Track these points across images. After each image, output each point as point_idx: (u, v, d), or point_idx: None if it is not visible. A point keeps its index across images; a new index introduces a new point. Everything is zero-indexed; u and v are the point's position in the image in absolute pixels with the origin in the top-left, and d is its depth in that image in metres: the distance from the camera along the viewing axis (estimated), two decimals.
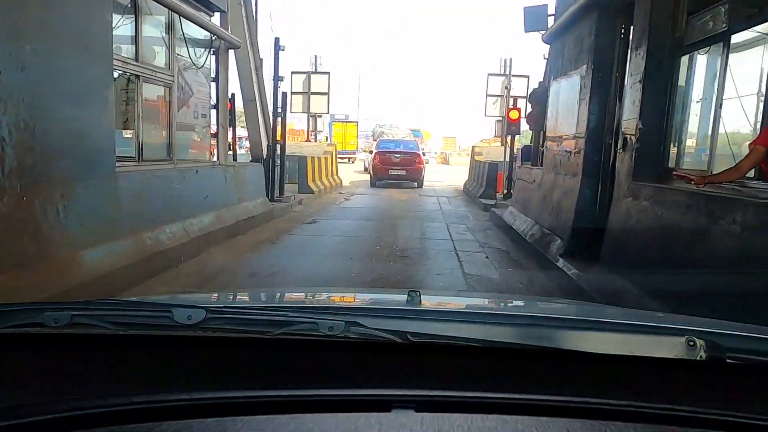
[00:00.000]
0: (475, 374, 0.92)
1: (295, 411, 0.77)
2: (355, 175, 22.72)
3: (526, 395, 0.81)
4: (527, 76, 18.28)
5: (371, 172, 18.41)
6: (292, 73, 19.12)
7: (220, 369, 0.95)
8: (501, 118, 19.71)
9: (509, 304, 2.01)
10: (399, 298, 1.35)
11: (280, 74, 11.97)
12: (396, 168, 17.43)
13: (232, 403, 0.78)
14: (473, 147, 19.98)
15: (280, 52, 11.48)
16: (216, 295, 2.14)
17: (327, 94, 18.95)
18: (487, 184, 13.29)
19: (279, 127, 12.31)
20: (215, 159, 8.41)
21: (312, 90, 18.87)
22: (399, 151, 17.95)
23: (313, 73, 19.24)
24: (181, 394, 0.78)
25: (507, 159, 14.47)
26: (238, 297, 1.76)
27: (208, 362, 0.96)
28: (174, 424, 0.74)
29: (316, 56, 20.26)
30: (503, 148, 15.85)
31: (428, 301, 1.47)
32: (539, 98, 9.15)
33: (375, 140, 25.50)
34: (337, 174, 17.88)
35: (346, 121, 36.02)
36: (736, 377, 0.93)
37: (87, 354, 0.96)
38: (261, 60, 12.39)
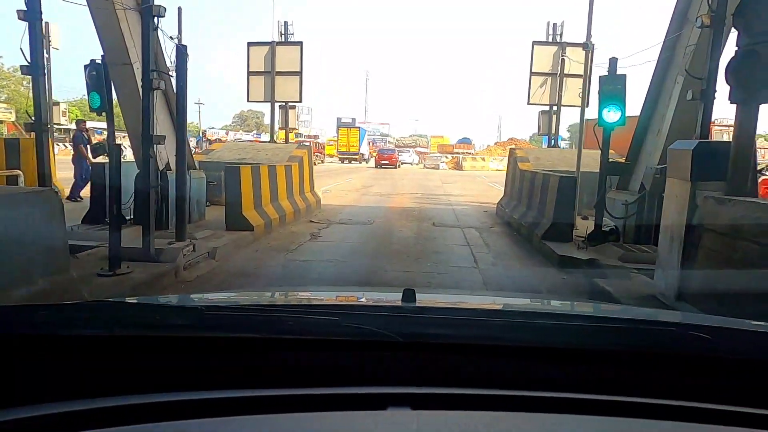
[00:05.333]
0: (471, 372, 0.91)
1: (291, 410, 0.80)
2: (366, 175, 27.94)
3: (522, 392, 0.84)
4: (591, 44, 12.38)
5: (375, 163, 39.53)
6: (249, 44, 13.33)
7: (217, 369, 0.93)
8: (548, 107, 13.92)
9: (505, 303, 1.99)
10: (394, 297, 1.33)
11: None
12: (385, 160, 38.24)
13: (229, 403, 0.81)
14: (512, 149, 13.80)
15: None
16: (213, 296, 2.15)
17: (299, 74, 13.13)
18: (556, 214, 7.46)
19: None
20: None
21: (278, 69, 13.11)
22: (387, 153, 40.28)
23: (279, 43, 13.35)
24: (179, 394, 0.82)
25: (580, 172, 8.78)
26: (234, 298, 1.71)
27: (205, 362, 0.94)
28: (173, 424, 0.76)
29: (285, 23, 14.37)
30: (568, 155, 9.99)
31: (423, 300, 1.38)
32: None
33: (394, 145, 50.85)
34: (311, 190, 12.07)
35: (351, 126, 45.41)
36: (735, 375, 0.91)
37: (86, 354, 0.93)
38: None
